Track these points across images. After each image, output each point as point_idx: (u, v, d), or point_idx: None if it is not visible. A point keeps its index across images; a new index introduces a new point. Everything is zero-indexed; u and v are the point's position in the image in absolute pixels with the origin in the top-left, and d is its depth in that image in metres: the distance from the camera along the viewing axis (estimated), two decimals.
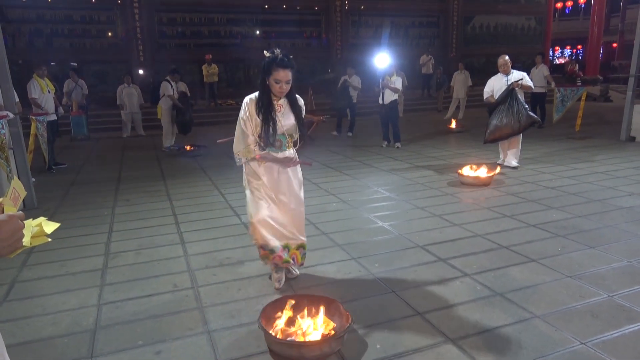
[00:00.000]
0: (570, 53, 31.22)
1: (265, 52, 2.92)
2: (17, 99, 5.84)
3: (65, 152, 9.42)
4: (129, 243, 4.30)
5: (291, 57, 2.92)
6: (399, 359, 2.45)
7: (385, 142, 9.10)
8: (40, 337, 2.77)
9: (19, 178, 5.36)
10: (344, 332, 2.49)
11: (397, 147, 8.86)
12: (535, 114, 6.79)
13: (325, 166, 7.45)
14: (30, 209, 5.47)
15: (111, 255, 4.02)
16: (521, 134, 6.71)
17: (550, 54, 27.16)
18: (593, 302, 2.96)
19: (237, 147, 3.05)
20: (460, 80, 13.07)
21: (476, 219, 4.66)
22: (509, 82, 6.54)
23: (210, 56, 14.04)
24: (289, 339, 2.54)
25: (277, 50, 2.90)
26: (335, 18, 17.33)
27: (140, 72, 14.82)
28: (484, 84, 7.00)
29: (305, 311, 2.67)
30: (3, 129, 4.79)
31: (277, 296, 3.02)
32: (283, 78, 2.88)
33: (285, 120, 3.03)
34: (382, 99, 8.74)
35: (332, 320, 2.64)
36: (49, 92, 7.66)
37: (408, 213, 4.93)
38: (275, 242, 3.11)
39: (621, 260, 3.57)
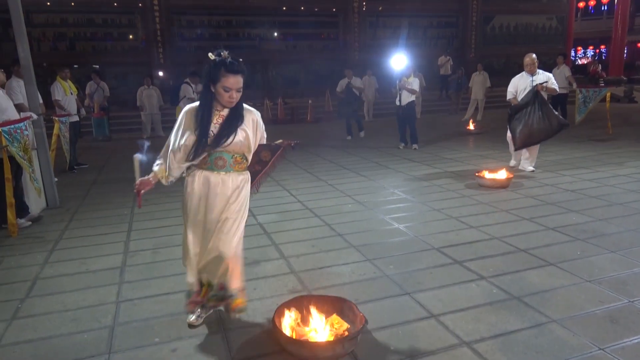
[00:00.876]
0: (593, 53, 30.58)
1: (209, 54, 2.48)
2: (40, 101, 6.00)
3: (87, 152, 9.62)
4: (147, 242, 4.37)
5: (241, 60, 2.49)
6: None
7: (402, 144, 9.06)
8: (60, 333, 2.84)
9: (42, 178, 5.50)
10: (358, 333, 2.49)
11: (415, 149, 8.81)
12: (552, 113, 6.59)
13: (342, 167, 7.45)
14: (52, 208, 5.61)
15: (130, 254, 4.09)
16: None
17: (573, 54, 26.66)
18: (613, 307, 2.90)
19: (161, 163, 2.64)
20: (478, 82, 12.94)
21: (493, 221, 4.61)
22: (534, 83, 6.37)
23: None
24: (302, 338, 2.55)
25: (225, 52, 2.46)
26: (352, 19, 17.32)
27: (160, 74, 15.06)
28: (503, 85, 6.81)
29: (319, 311, 2.68)
30: (27, 129, 4.92)
31: (291, 296, 3.03)
32: (233, 85, 2.43)
33: (232, 136, 2.51)
34: (400, 100, 8.70)
35: (346, 321, 2.65)
36: (72, 94, 7.85)
37: (424, 215, 4.90)
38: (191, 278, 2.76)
39: None
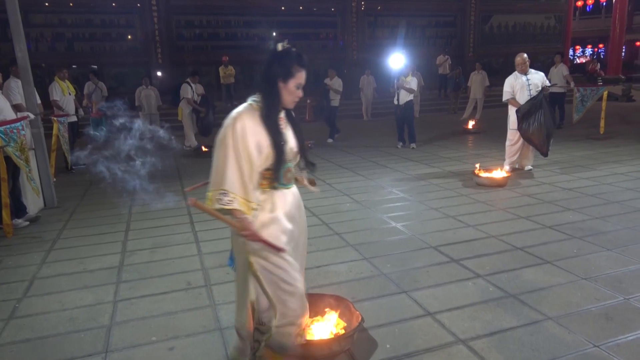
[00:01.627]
0: (591, 52, 30.61)
1: (278, 44, 2.03)
2: (38, 101, 6.00)
3: (85, 152, 9.61)
4: (144, 242, 4.38)
5: None
6: (409, 359, 2.45)
7: (400, 143, 9.07)
8: (57, 332, 2.84)
9: (40, 178, 5.50)
10: (354, 331, 2.50)
11: (413, 148, 8.82)
12: (554, 114, 6.52)
13: (340, 166, 7.46)
14: (50, 208, 5.61)
15: (127, 254, 4.10)
16: None
17: (571, 53, 26.68)
18: (608, 305, 2.91)
19: (230, 189, 1.91)
20: (477, 81, 12.94)
21: (491, 220, 4.62)
22: (529, 82, 6.36)
23: (227, 58, 14.19)
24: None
25: (286, 43, 2.06)
26: (351, 19, 17.32)
27: (159, 74, 15.05)
28: (502, 85, 6.75)
29: (316, 310, 2.69)
30: (24, 129, 4.92)
31: None
32: (303, 81, 2.07)
33: (293, 140, 2.12)
34: (398, 100, 8.71)
35: (342, 319, 2.65)
36: (70, 94, 7.85)
37: (422, 214, 4.91)
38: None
39: (639, 262, 3.50)
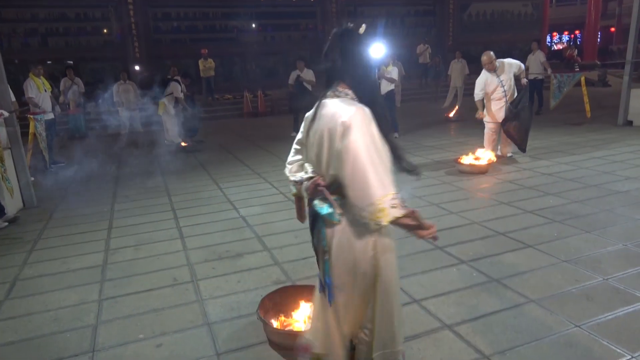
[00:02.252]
0: (568, 38, 31.04)
1: (362, 26, 1.80)
2: (13, 99, 5.85)
3: (63, 150, 9.43)
4: (128, 239, 4.33)
5: None
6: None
7: None
8: (42, 333, 2.81)
9: (17, 177, 5.38)
10: None
11: (395, 137, 8.84)
12: (532, 101, 6.58)
13: None
14: (29, 208, 5.50)
15: (111, 252, 4.05)
16: None
17: (548, 40, 27.01)
18: (588, 286, 2.99)
19: (383, 191, 1.62)
20: (457, 69, 13.02)
21: (473, 206, 4.68)
22: (501, 80, 6.33)
23: (207, 51, 14.00)
24: (287, 329, 2.57)
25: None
26: (330, 9, 17.24)
27: (137, 68, 14.78)
28: (480, 72, 6.75)
29: (304, 301, 2.70)
30: None
31: (276, 287, 3.05)
32: None
33: None
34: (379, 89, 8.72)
35: None
36: (46, 90, 7.66)
37: (406, 202, 4.93)
38: None
39: (617, 243, 3.60)
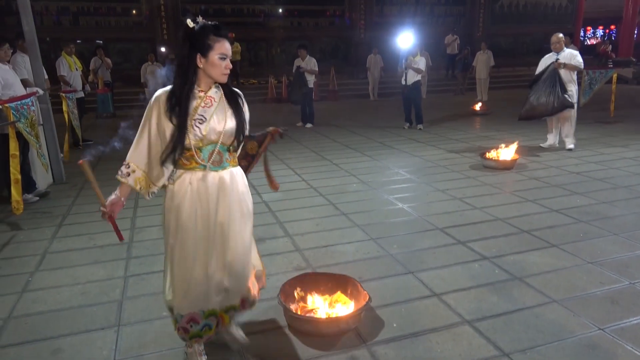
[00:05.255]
0: (602, 33, 30.02)
1: (187, 20, 1.97)
2: (46, 76, 5.98)
3: (92, 129, 9.63)
4: (153, 219, 4.41)
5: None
6: (415, 338, 2.49)
7: (407, 124, 9.02)
8: (70, 306, 2.90)
9: (48, 154, 5.52)
10: (362, 310, 2.54)
11: (420, 129, 8.77)
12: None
13: (346, 147, 7.44)
14: (59, 184, 5.66)
15: (136, 230, 4.14)
16: (573, 116, 6.66)
17: (582, 34, 26.17)
18: (613, 289, 2.94)
19: (134, 162, 2.10)
20: (482, 61, 12.79)
21: (497, 202, 4.62)
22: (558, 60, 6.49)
23: (233, 34, 14.02)
24: (307, 315, 2.61)
25: (200, 17, 2.00)
26: None
27: (163, 49, 14.93)
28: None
29: (324, 288, 2.73)
30: (33, 105, 4.92)
31: (296, 273, 3.08)
32: (229, 52, 2.01)
33: (223, 121, 2.02)
34: (405, 80, 8.63)
35: (350, 298, 2.70)
36: (77, 69, 7.82)
37: (428, 195, 4.92)
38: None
39: None
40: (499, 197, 4.79)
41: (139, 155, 2.07)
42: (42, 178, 5.39)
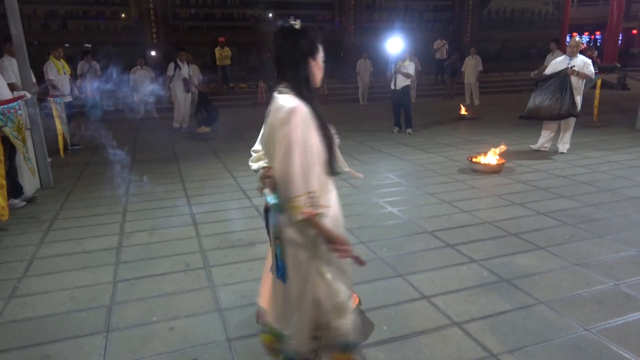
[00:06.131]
0: (588, 39, 30.52)
1: (296, 21, 1.80)
2: (33, 80, 5.93)
3: (80, 133, 9.54)
4: (142, 223, 4.39)
5: None
6: (405, 340, 2.51)
7: (397, 128, 9.08)
8: (58, 311, 2.88)
9: (36, 159, 5.47)
10: None
11: (409, 133, 8.83)
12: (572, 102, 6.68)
13: None
14: (46, 189, 5.60)
15: (125, 235, 4.12)
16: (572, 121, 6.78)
17: (568, 40, 26.59)
18: (599, 290, 2.99)
19: (300, 189, 1.66)
20: (471, 66, 12.93)
21: (485, 206, 4.68)
22: (570, 65, 6.55)
23: (224, 39, 14.03)
24: None
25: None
26: (348, 1, 17.13)
27: (153, 53, 14.86)
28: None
29: None
30: (20, 109, 4.88)
31: None
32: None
33: None
34: (395, 85, 8.69)
35: None
36: (65, 73, 7.76)
37: (417, 199, 4.95)
38: None
39: (629, 249, 3.58)
40: (487, 201, 4.85)
41: (313, 182, 1.71)
42: (29, 183, 5.34)
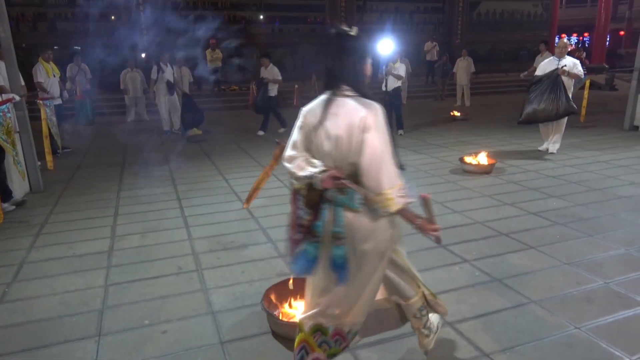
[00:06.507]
0: (576, 40, 30.89)
1: (352, 28, 1.89)
2: (22, 83, 5.88)
3: (70, 136, 9.47)
4: (134, 226, 4.37)
5: None
6: (397, 340, 2.52)
7: None
8: (49, 316, 2.85)
9: (25, 161, 5.42)
10: None
11: (400, 135, 8.87)
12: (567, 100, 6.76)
13: None
14: (36, 192, 5.55)
15: (117, 238, 4.09)
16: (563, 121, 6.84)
17: (557, 41, 26.88)
18: (589, 289, 3.02)
19: (393, 182, 1.80)
20: (463, 67, 13.00)
21: (477, 206, 4.71)
22: (560, 66, 6.61)
23: (215, 41, 14.00)
24: (290, 320, 2.61)
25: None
26: (339, 3, 17.18)
27: (143, 56, 14.78)
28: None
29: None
30: (9, 112, 4.83)
31: (279, 279, 3.08)
32: None
33: None
34: (385, 86, 8.72)
35: None
36: (55, 76, 7.70)
37: (411, 195, 4.96)
38: None
39: (619, 248, 3.62)
40: (478, 201, 4.88)
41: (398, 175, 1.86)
42: (19, 186, 5.28)
